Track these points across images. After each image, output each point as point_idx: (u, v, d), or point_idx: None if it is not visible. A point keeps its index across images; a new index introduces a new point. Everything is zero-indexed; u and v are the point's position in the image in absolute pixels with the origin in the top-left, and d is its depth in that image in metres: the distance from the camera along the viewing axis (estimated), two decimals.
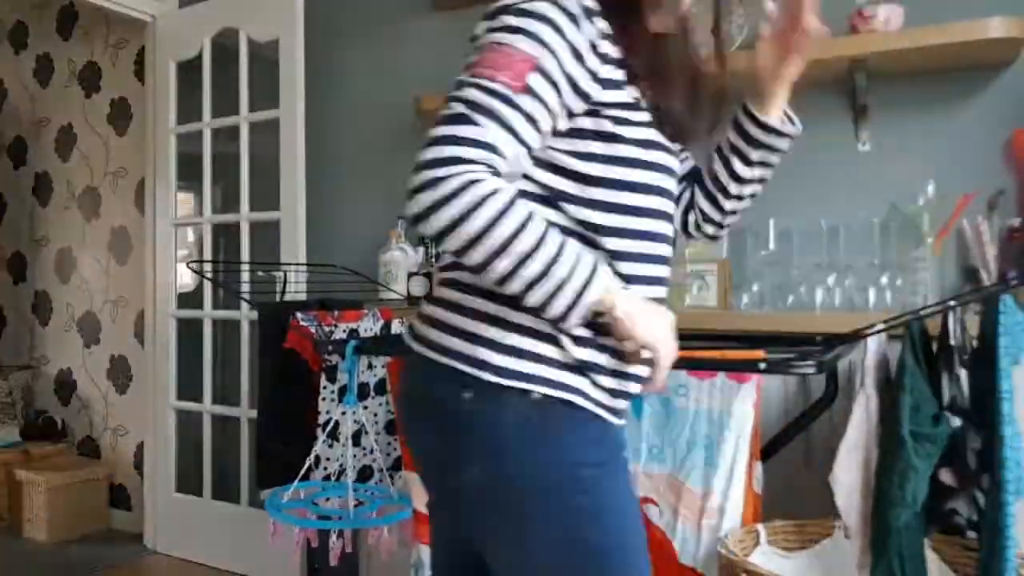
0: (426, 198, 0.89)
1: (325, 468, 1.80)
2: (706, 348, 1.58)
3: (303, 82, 2.87)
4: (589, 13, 0.98)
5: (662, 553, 1.44)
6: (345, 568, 1.70)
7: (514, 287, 0.92)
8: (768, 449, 1.52)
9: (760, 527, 1.46)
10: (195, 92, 3.15)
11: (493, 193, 0.89)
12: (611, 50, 0.99)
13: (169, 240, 3.24)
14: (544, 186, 1.02)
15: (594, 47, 0.98)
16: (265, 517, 1.62)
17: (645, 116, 1.03)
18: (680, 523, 1.43)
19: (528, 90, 0.93)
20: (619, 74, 1.01)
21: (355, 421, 1.67)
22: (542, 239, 0.91)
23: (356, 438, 1.83)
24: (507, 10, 0.96)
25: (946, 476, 1.35)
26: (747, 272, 2.19)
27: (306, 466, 1.62)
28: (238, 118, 3.02)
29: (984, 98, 2.02)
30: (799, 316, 1.94)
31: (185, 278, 3.26)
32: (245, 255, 3.00)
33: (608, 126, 1.01)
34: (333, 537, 1.54)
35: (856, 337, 1.46)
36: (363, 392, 1.92)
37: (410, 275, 2.59)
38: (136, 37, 3.53)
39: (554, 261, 0.91)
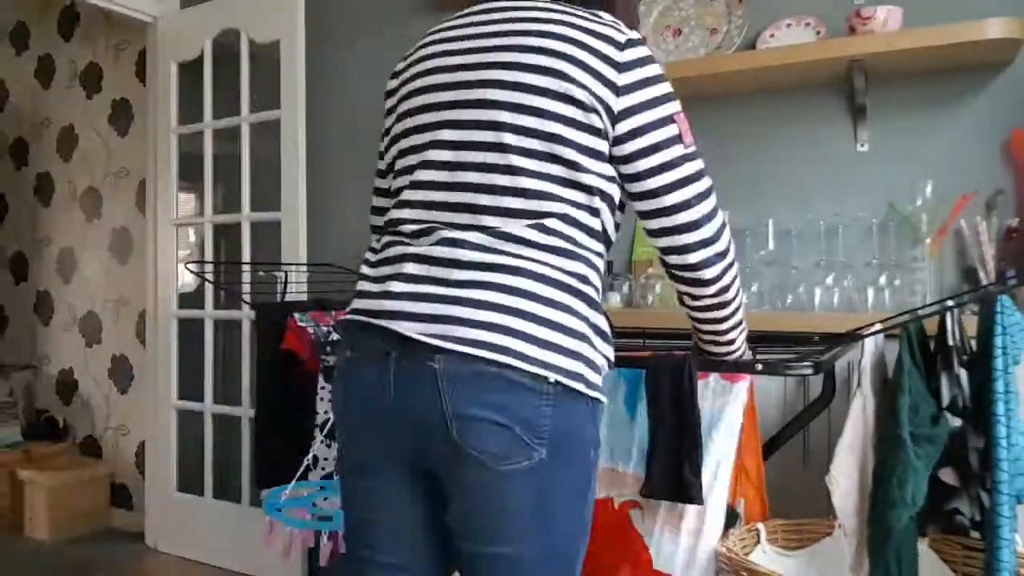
0: (731, 280, 1.19)
1: (323, 468, 1.81)
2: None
3: (304, 83, 2.88)
4: None
5: (638, 560, 1.42)
6: (338, 568, 1.71)
7: (731, 339, 1.29)
8: (767, 449, 1.52)
9: (760, 526, 1.47)
10: (196, 93, 3.15)
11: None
12: None
13: (170, 240, 3.25)
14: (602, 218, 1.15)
15: None
16: (265, 517, 1.62)
17: None
18: (658, 527, 1.41)
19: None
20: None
21: None
22: (738, 293, 1.24)
23: None
24: (650, 73, 1.12)
25: (948, 476, 1.36)
26: (745, 272, 2.19)
27: (304, 466, 1.62)
28: (239, 119, 3.03)
29: (982, 99, 2.02)
30: (797, 316, 1.95)
31: (186, 278, 3.27)
32: (246, 255, 3.01)
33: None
34: (324, 538, 1.54)
35: (853, 337, 1.47)
36: None
37: None
38: (137, 38, 3.54)
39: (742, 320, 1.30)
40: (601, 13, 1.12)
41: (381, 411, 1.07)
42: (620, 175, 1.12)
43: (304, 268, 2.78)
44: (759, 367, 1.31)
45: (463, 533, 1.07)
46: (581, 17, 1.10)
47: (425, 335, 1.02)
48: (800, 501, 1.64)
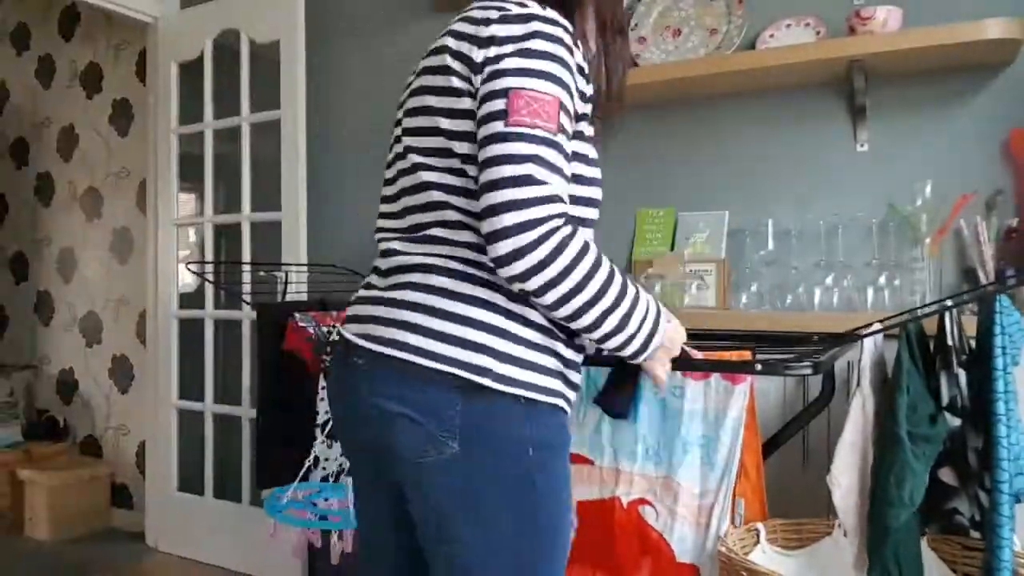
0: (525, 263, 0.95)
1: (324, 468, 1.81)
2: (703, 348, 1.59)
3: (304, 83, 2.88)
4: (574, 39, 1.06)
5: (660, 553, 1.44)
6: (346, 568, 1.71)
7: (594, 335, 1.05)
8: (766, 448, 1.52)
9: (760, 526, 1.47)
10: (197, 93, 3.16)
11: (582, 252, 0.99)
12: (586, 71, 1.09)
13: (171, 240, 3.25)
14: None
15: (581, 70, 1.07)
16: (266, 516, 1.62)
17: (591, 132, 1.12)
18: (678, 523, 1.43)
19: (561, 129, 1.00)
20: (590, 90, 1.10)
21: None
22: (623, 290, 1.04)
23: None
24: (516, 50, 1.00)
25: (947, 476, 1.36)
26: (746, 272, 2.19)
27: (305, 467, 1.62)
28: (239, 119, 3.03)
29: (982, 99, 2.02)
30: (797, 316, 1.95)
31: (186, 278, 3.27)
32: (246, 255, 3.01)
33: (581, 146, 1.10)
34: (334, 538, 1.55)
35: (852, 337, 1.47)
36: None
37: None
38: (138, 38, 3.54)
39: (633, 308, 1.06)
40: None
41: (338, 410, 1.15)
42: None
43: (304, 268, 2.78)
44: (759, 367, 1.31)
45: (418, 529, 1.09)
46: (479, 6, 1.08)
47: (355, 335, 1.09)
48: (800, 501, 1.64)
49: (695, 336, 1.91)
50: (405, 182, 1.12)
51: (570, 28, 1.06)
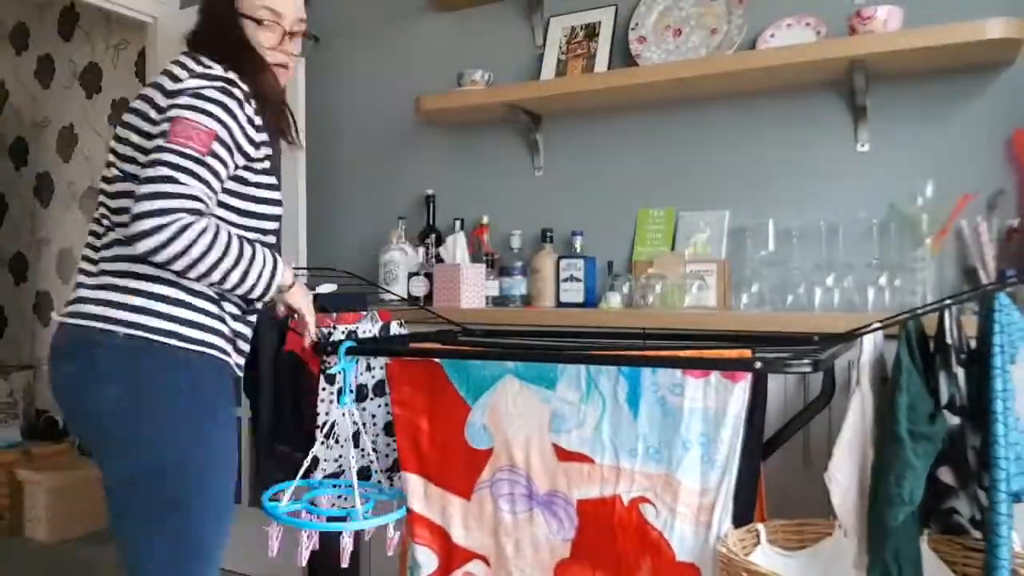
0: (152, 241, 1.24)
1: (324, 469, 1.81)
2: (704, 348, 1.58)
3: (304, 83, 2.88)
4: (247, 97, 1.41)
5: (660, 552, 1.44)
6: (346, 568, 1.71)
7: (226, 287, 1.36)
8: (766, 448, 1.52)
9: (760, 526, 1.46)
10: None
11: (203, 231, 1.28)
12: (258, 121, 1.43)
13: None
14: (220, 218, 1.40)
15: (251, 120, 1.41)
16: (266, 517, 1.62)
17: (267, 164, 1.51)
18: (678, 522, 1.43)
19: (212, 154, 1.32)
20: (262, 137, 1.45)
21: (353, 422, 1.68)
22: (240, 253, 1.35)
23: (355, 439, 1.83)
24: (189, 93, 1.34)
25: (946, 475, 1.35)
26: (746, 272, 2.19)
27: (304, 467, 1.62)
28: None
29: (983, 98, 2.02)
30: (798, 316, 1.95)
31: None
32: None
33: (253, 176, 1.45)
34: (344, 537, 1.55)
35: (852, 336, 1.47)
36: (362, 394, 1.93)
37: (410, 275, 2.59)
38: (137, 38, 3.54)
39: (250, 265, 1.37)
40: (194, 61, 1.41)
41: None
42: None
43: (304, 270, 2.78)
44: (759, 365, 1.31)
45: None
46: (176, 65, 1.42)
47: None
48: (800, 501, 1.64)
49: (696, 337, 1.91)
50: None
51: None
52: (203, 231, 1.28)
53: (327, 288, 1.89)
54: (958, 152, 2.04)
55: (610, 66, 2.46)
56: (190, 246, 1.26)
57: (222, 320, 1.43)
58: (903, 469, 1.26)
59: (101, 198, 1.46)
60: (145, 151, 1.34)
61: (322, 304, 2.22)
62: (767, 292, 2.14)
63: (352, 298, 2.25)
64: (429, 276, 2.53)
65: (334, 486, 1.80)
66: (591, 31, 2.53)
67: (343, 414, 1.64)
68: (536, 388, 1.56)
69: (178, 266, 1.27)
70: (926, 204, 1.97)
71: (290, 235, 2.88)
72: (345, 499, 1.81)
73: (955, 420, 1.34)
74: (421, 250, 2.66)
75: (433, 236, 2.67)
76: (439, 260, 2.56)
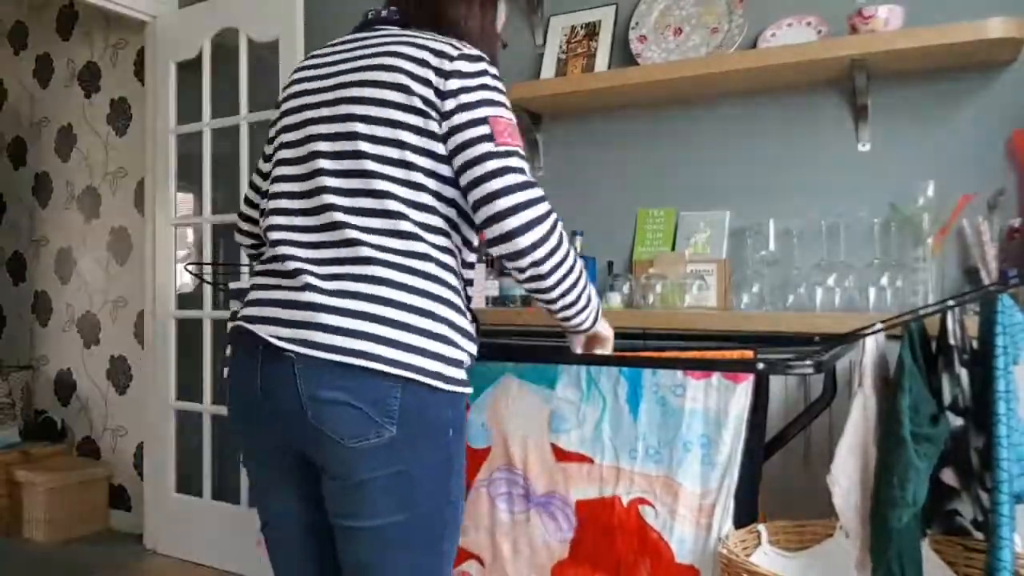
0: (545, 250, 1.18)
1: None
2: (704, 349, 1.58)
3: None
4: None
5: (659, 554, 1.43)
6: None
7: (573, 310, 1.31)
8: (767, 449, 1.51)
9: (761, 527, 1.46)
10: (195, 92, 3.15)
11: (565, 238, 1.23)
12: None
13: (169, 240, 3.24)
14: (447, 218, 1.25)
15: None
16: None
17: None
18: (678, 523, 1.42)
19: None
20: None
21: None
22: (581, 275, 1.29)
23: None
24: (487, 84, 1.23)
25: (948, 477, 1.35)
26: (747, 272, 2.18)
27: None
28: (238, 118, 3.02)
29: (984, 98, 2.02)
30: (799, 316, 1.94)
31: (185, 278, 3.26)
32: (245, 256, 3.00)
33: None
34: None
35: (854, 337, 1.46)
36: None
37: None
38: (136, 37, 3.53)
39: (588, 292, 1.33)
40: (441, 36, 1.26)
41: (253, 409, 1.23)
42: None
43: None
44: (761, 366, 1.30)
45: (333, 510, 1.20)
46: (421, 38, 1.25)
47: (286, 340, 1.16)
48: (801, 501, 1.63)
49: (696, 337, 1.90)
50: (349, 183, 1.21)
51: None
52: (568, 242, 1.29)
53: None
54: (959, 152, 2.03)
55: (610, 65, 2.45)
56: (567, 256, 1.25)
57: None
58: (906, 471, 1.25)
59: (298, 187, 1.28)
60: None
61: None
62: (767, 292, 2.14)
63: None
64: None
65: None
66: (591, 30, 2.52)
67: None
68: (536, 387, 1.56)
69: (552, 280, 1.24)
70: (927, 204, 1.96)
71: None
72: None
73: (958, 421, 1.34)
74: None
75: None
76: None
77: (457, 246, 1.27)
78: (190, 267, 2.61)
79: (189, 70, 3.19)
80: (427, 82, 1.19)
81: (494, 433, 1.60)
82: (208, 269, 3.11)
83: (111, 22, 3.67)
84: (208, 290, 3.14)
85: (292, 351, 1.14)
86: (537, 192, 1.18)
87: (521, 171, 1.18)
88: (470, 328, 1.25)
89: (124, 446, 3.63)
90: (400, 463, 1.16)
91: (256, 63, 2.99)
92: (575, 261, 1.26)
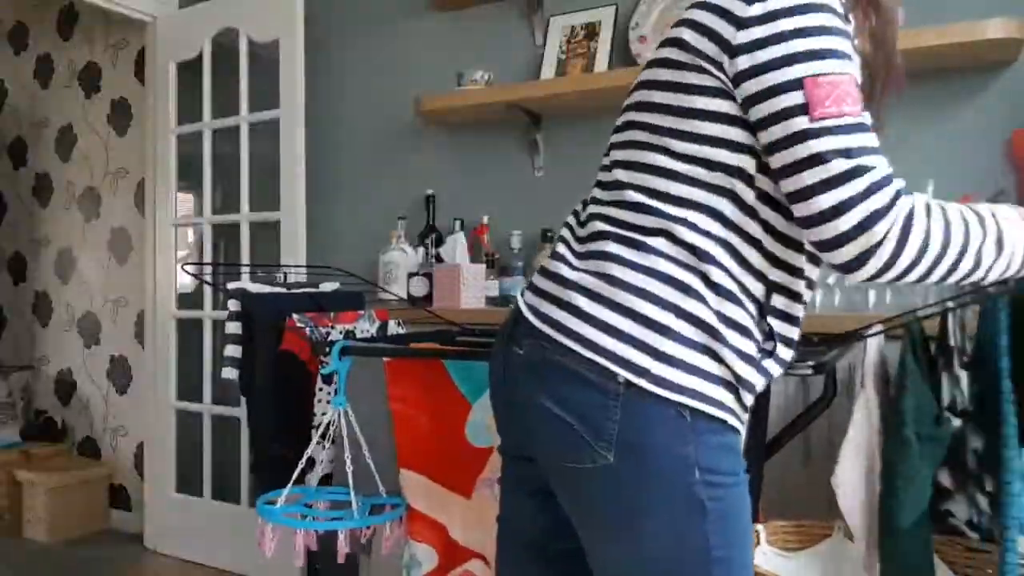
0: (882, 253, 0.89)
1: (321, 471, 1.80)
2: None
3: (303, 82, 2.87)
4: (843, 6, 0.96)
5: None
6: (345, 567, 1.71)
7: (955, 278, 0.95)
8: (768, 449, 1.51)
9: (760, 527, 1.46)
10: (195, 92, 3.15)
11: (924, 216, 0.92)
12: None
13: (169, 240, 3.24)
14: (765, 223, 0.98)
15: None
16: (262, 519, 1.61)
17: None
18: None
19: (864, 106, 0.93)
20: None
21: (348, 422, 1.67)
22: (968, 234, 0.94)
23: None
24: (795, 32, 0.89)
25: (944, 478, 1.35)
26: None
27: (299, 468, 1.62)
28: (238, 118, 3.02)
29: (984, 98, 2.02)
30: None
31: (185, 278, 3.26)
32: (245, 256, 3.00)
33: None
34: (341, 537, 1.55)
35: (854, 337, 1.46)
36: None
37: (410, 275, 2.59)
38: (136, 37, 3.53)
39: (999, 242, 0.95)
40: None
41: (498, 398, 1.10)
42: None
43: (303, 269, 2.77)
44: None
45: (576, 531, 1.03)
46: None
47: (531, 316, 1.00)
48: (800, 501, 1.63)
49: None
50: (637, 156, 1.01)
51: None
52: (924, 217, 0.96)
53: (329, 287, 1.88)
54: (958, 152, 2.03)
55: (610, 66, 2.45)
56: (924, 248, 0.93)
57: None
58: (911, 471, 1.25)
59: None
60: None
61: (319, 304, 2.22)
62: None
63: (349, 297, 2.25)
64: (429, 276, 2.53)
65: (329, 493, 1.79)
66: (591, 31, 2.52)
67: (338, 414, 1.63)
68: None
69: (912, 277, 0.94)
70: None
71: (290, 235, 2.88)
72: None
73: (956, 423, 1.34)
74: (421, 250, 2.66)
75: (433, 236, 2.67)
76: (439, 260, 2.55)
77: (740, 227, 1.01)
78: (187, 267, 2.61)
79: (189, 70, 3.20)
80: (708, 31, 0.96)
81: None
82: (207, 269, 3.10)
83: (111, 22, 3.67)
84: (208, 290, 3.15)
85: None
86: (857, 183, 0.93)
87: (839, 155, 0.93)
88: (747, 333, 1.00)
89: (124, 446, 3.63)
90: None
91: (256, 63, 2.99)
92: (943, 245, 0.92)
